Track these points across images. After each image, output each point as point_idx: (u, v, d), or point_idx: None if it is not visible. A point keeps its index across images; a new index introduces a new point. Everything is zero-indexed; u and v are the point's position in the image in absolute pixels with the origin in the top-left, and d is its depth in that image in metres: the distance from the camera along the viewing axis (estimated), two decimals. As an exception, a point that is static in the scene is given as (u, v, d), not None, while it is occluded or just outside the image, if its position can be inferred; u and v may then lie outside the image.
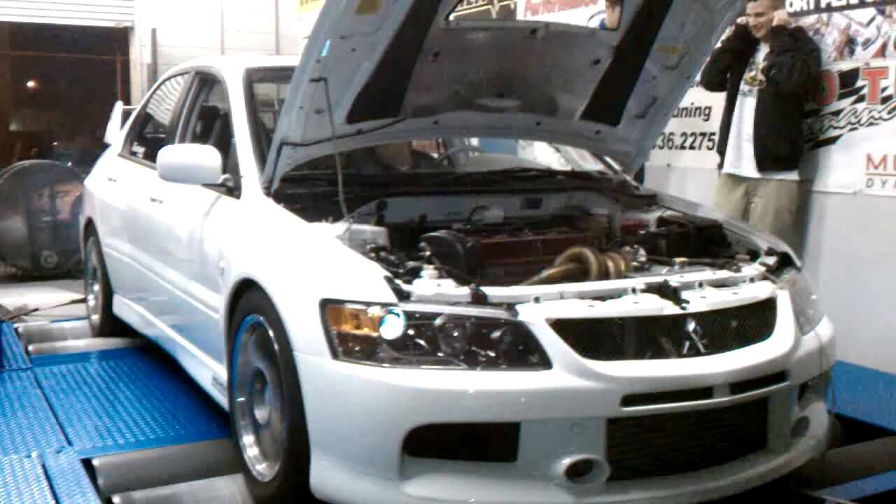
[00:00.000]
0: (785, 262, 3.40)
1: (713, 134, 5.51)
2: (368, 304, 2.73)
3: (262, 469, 3.16)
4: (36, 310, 6.32)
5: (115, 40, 11.50)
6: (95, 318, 5.52)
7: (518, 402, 2.63)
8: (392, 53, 3.29)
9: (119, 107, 5.99)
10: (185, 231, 3.88)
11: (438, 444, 2.67)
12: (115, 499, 3.21)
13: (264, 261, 3.16)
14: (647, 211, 3.86)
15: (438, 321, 2.70)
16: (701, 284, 3.01)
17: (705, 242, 3.51)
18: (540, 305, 2.74)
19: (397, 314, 2.70)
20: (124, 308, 4.99)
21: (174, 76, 5.00)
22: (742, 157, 5.09)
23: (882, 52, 4.59)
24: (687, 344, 2.82)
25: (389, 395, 2.64)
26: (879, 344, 4.57)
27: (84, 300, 5.88)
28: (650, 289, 2.90)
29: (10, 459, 3.58)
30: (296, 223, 3.19)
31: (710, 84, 5.30)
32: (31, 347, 5.24)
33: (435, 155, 5.09)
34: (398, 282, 2.76)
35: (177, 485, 3.32)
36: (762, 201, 5.01)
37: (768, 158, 4.97)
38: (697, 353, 2.81)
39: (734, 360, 2.83)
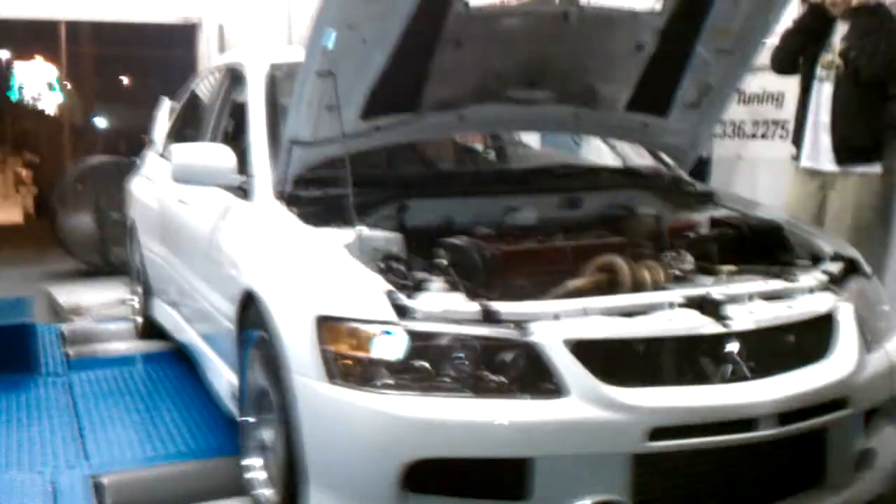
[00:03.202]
0: (852, 268, 3.01)
1: (786, 122, 5.07)
2: (366, 321, 2.47)
3: (269, 495, 2.93)
4: (86, 310, 6.23)
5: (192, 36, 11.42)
6: (139, 320, 5.40)
7: (530, 435, 2.35)
8: (407, 43, 3.01)
9: (165, 103, 5.83)
10: (204, 235, 3.68)
11: (442, 479, 2.39)
12: (118, 521, 3.04)
13: (265, 271, 2.93)
14: (699, 210, 3.49)
15: (442, 342, 2.43)
16: (751, 297, 2.66)
17: (762, 246, 3.14)
18: (558, 323, 2.44)
19: (397, 333, 2.43)
20: (160, 311, 4.84)
21: (211, 72, 4.81)
22: (819, 149, 4.61)
23: (973, 28, 4.11)
24: (729, 368, 2.48)
25: (386, 426, 2.37)
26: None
27: (130, 301, 5.77)
28: (689, 303, 2.57)
29: (23, 475, 3.45)
30: (300, 230, 2.94)
31: (781, 67, 4.83)
32: (70, 351, 5.14)
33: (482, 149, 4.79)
34: (401, 297, 2.48)
35: (184, 507, 3.15)
36: (839, 197, 4.55)
37: (847, 150, 4.49)
38: (741, 378, 2.47)
39: (784, 385, 2.48)
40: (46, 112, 21.74)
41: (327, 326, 2.51)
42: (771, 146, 5.29)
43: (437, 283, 2.59)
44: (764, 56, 4.86)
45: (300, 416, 2.56)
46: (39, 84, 21.87)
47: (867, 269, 3.10)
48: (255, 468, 3.05)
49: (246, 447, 3.11)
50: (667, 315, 2.52)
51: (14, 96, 22.33)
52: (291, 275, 2.79)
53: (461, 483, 2.40)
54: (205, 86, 4.88)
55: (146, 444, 3.82)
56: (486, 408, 2.36)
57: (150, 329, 5.14)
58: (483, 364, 2.41)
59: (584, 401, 2.34)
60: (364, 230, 2.89)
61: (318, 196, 3.18)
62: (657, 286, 2.71)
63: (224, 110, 4.26)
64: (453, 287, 2.59)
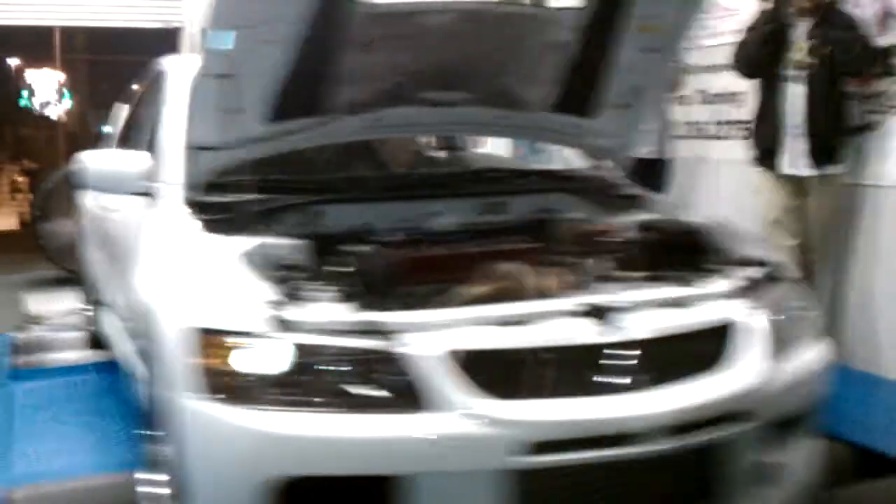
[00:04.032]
0: (774, 274, 2.89)
1: (748, 122, 4.93)
2: (239, 334, 2.37)
3: (170, 511, 2.84)
4: (45, 318, 6.16)
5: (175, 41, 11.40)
6: (89, 329, 5.32)
7: (405, 451, 2.25)
8: (311, 44, 2.91)
9: (118, 108, 5.72)
10: (122, 244, 3.60)
11: (316, 498, 2.29)
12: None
13: (156, 281, 2.83)
14: (626, 214, 3.38)
15: (319, 355, 2.33)
16: (652, 305, 2.55)
17: (682, 252, 3.02)
18: (439, 334, 2.33)
19: (271, 346, 2.33)
20: (104, 319, 4.75)
21: (148, 76, 4.73)
22: (797, 154, 4.43)
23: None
24: (620, 378, 2.37)
25: (254, 443, 2.28)
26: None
27: (84, 310, 5.69)
28: (583, 311, 2.45)
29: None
30: (195, 238, 2.85)
31: (752, 72, 4.63)
32: (19, 360, 5.07)
33: (443, 154, 4.69)
34: (281, 308, 2.38)
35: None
36: (818, 200, 4.39)
37: (823, 151, 4.33)
38: (632, 389, 2.36)
39: (676, 397, 2.37)
40: (49, 118, 21.72)
41: (202, 339, 2.41)
42: (732, 147, 5.17)
43: (326, 293, 2.49)
44: (722, 56, 4.77)
45: (181, 432, 2.47)
46: (49, 91, 21.96)
47: (791, 274, 2.99)
48: (161, 484, 2.96)
49: (152, 462, 3.02)
50: (556, 324, 2.41)
51: (25, 103, 22.47)
52: (176, 285, 2.70)
53: (336, 502, 2.30)
54: (145, 90, 4.79)
55: (76, 455, 3.74)
56: (359, 424, 2.26)
57: (99, 339, 5.06)
58: (360, 378, 2.31)
59: (460, 415, 2.24)
60: (266, 239, 2.80)
61: (229, 202, 3.08)
62: (557, 294, 2.61)
63: (155, 115, 4.17)
64: (345, 297, 2.48)
